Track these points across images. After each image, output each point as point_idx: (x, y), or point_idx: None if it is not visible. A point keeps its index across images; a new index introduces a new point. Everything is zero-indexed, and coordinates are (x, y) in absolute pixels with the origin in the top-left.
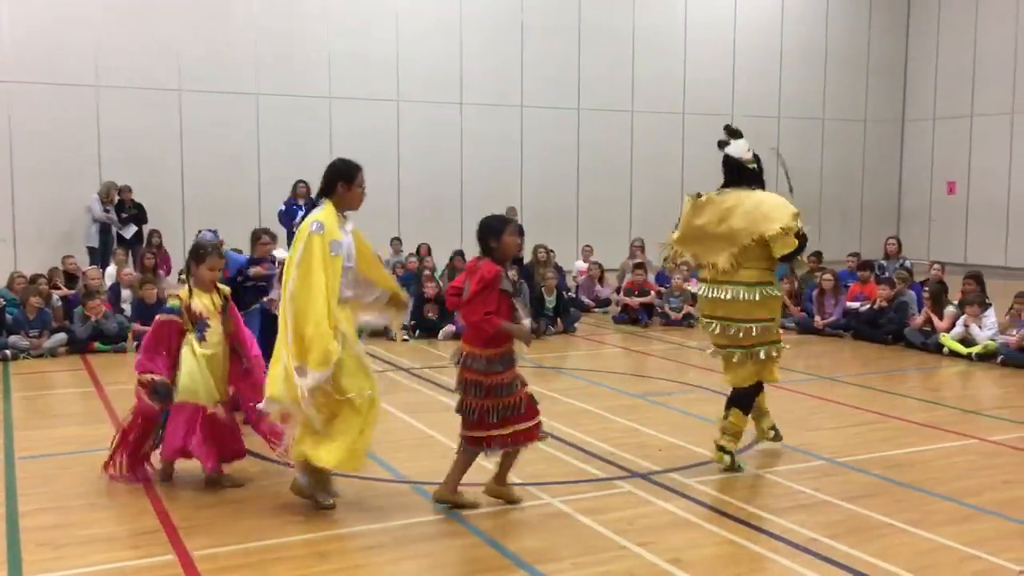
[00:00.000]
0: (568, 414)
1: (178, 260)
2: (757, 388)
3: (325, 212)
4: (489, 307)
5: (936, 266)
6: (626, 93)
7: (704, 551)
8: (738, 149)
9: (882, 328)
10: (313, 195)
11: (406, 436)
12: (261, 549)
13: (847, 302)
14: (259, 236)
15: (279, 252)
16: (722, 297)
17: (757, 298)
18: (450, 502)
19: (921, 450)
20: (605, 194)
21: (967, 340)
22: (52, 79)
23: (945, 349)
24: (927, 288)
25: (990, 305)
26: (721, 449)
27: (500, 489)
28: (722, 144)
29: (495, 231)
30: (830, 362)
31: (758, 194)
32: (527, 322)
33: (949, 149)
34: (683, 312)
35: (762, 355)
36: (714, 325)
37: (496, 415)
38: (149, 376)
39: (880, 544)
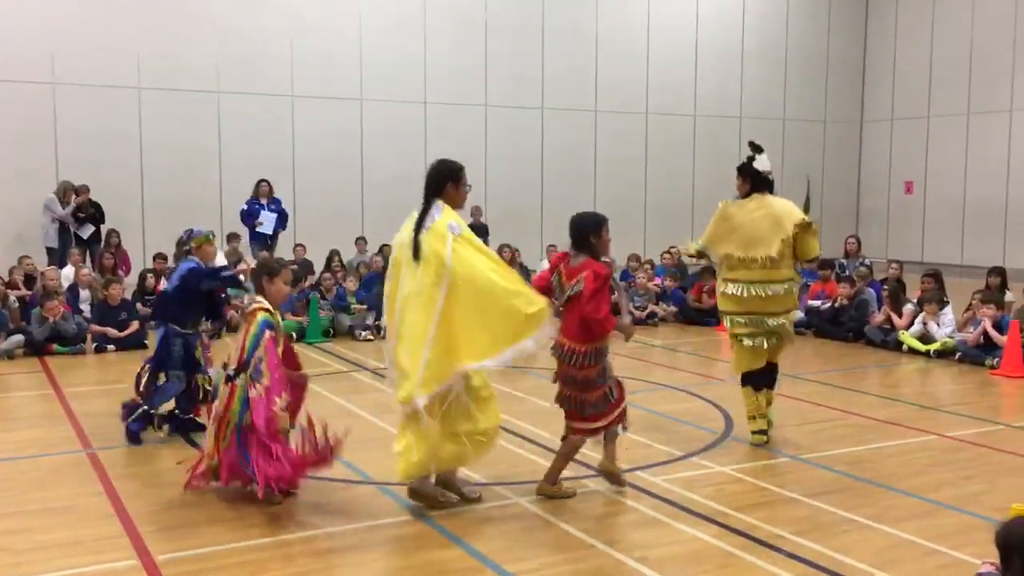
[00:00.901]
0: (534, 413)
1: (137, 260)
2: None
3: (449, 212)
4: (608, 304)
5: (894, 265)
6: (590, 93)
7: (671, 549)
8: (764, 163)
9: (843, 326)
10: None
11: (372, 436)
12: (226, 552)
13: (808, 300)
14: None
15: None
16: (768, 294)
17: (792, 291)
18: (550, 494)
19: (882, 446)
20: (569, 193)
21: (926, 337)
22: (6, 76)
23: (904, 346)
24: (886, 286)
25: (948, 303)
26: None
27: (613, 467)
28: (751, 158)
29: (596, 227)
30: (792, 359)
31: (780, 199)
32: (628, 318)
33: (906, 149)
34: (647, 311)
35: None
36: (765, 320)
37: (601, 405)
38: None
39: (844, 540)
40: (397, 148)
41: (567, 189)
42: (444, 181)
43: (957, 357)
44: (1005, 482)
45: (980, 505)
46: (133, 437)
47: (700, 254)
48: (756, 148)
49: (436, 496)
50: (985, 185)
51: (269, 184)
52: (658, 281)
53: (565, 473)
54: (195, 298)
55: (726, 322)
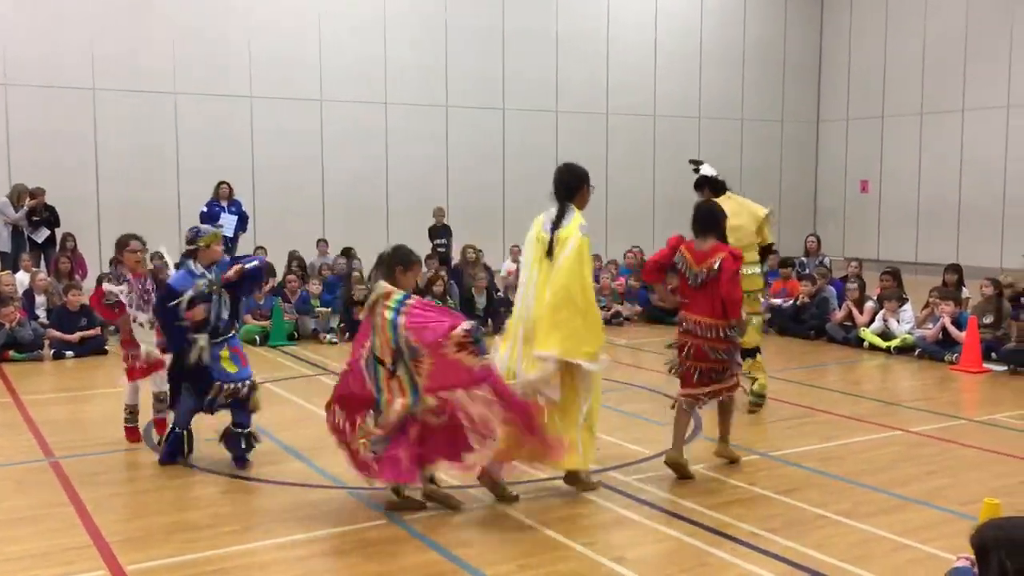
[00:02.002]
0: None
1: (94, 264)
2: None
3: (579, 216)
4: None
5: (853, 263)
6: (550, 94)
7: (647, 548)
8: (710, 169)
9: (805, 323)
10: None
11: None
12: (197, 562)
13: (770, 298)
14: (127, 242)
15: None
16: (746, 272)
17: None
18: (680, 464)
19: (849, 442)
20: (531, 194)
21: (886, 334)
22: None
23: (865, 343)
24: (849, 284)
25: (907, 300)
26: (755, 380)
27: (727, 448)
28: (696, 170)
29: (724, 215)
30: None
31: (739, 197)
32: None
33: (862, 149)
34: (611, 311)
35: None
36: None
37: (726, 375)
38: None
39: (817, 536)
40: (358, 149)
41: (529, 189)
42: (580, 184)
43: (917, 353)
44: (969, 476)
45: (947, 499)
46: (163, 458)
47: None
48: (695, 162)
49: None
50: (938, 184)
51: (229, 186)
52: (622, 281)
53: (538, 474)
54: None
55: None
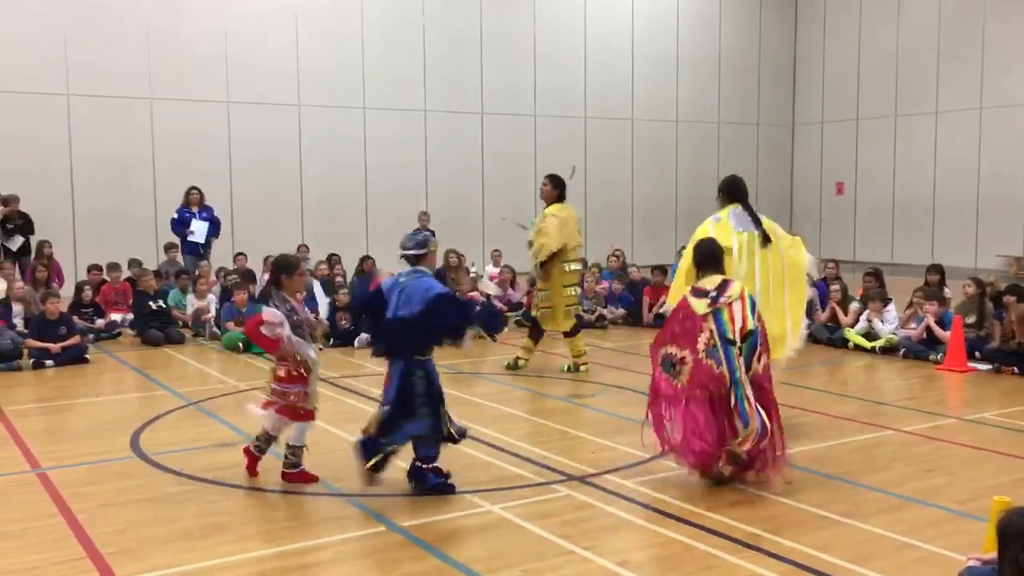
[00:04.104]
0: (496, 419)
1: (70, 271)
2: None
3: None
4: None
5: (830, 264)
6: (528, 98)
7: (651, 552)
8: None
9: None
10: (213, 203)
11: (335, 448)
12: (195, 572)
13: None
14: (297, 264)
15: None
16: (569, 269)
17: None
18: None
19: (843, 442)
20: (510, 198)
21: (870, 334)
22: None
23: (850, 343)
24: (834, 285)
25: (890, 300)
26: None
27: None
28: (572, 176)
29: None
30: None
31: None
32: None
33: (837, 151)
34: (596, 314)
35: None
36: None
37: None
38: None
39: (820, 536)
40: (336, 154)
41: (508, 193)
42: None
43: (901, 353)
44: (965, 475)
45: (945, 498)
46: (372, 479)
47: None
48: (574, 171)
49: None
50: (913, 185)
51: (200, 192)
52: (605, 285)
53: (536, 478)
54: (440, 327)
55: (568, 291)
